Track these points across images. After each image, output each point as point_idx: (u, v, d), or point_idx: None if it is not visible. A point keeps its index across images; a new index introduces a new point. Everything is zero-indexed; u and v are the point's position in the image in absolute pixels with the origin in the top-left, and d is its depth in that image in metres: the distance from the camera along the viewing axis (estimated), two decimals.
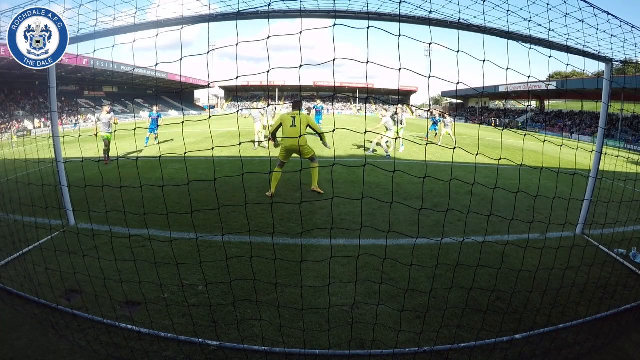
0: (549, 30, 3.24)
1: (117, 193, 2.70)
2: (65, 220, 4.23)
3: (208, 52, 2.28)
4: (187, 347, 2.25)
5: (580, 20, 2.98)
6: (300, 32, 2.15)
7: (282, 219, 4.59)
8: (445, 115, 13.85)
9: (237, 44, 2.21)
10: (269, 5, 2.82)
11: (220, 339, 2.31)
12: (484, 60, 2.37)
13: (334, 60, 2.07)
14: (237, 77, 2.10)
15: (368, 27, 2.25)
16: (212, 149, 2.48)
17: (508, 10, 2.92)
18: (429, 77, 2.24)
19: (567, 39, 3.36)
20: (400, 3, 2.57)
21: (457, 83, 2.24)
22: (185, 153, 2.30)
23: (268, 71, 2.18)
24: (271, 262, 3.07)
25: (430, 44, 2.27)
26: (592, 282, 2.91)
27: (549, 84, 28.28)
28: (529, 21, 3.13)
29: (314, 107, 16.27)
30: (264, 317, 2.53)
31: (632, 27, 3.18)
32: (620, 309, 2.73)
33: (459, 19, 3.14)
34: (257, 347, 2.25)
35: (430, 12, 2.82)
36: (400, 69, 2.17)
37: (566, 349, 2.28)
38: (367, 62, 2.12)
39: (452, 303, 2.70)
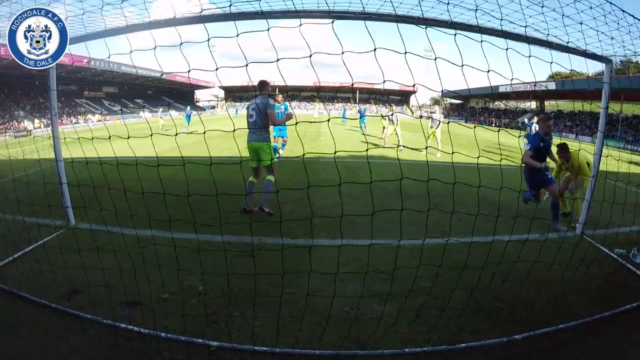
0: (549, 29, 3.24)
1: (117, 193, 2.70)
2: (65, 221, 4.23)
3: (210, 51, 2.29)
4: (187, 347, 2.25)
5: (579, 23, 2.99)
6: (300, 25, 2.15)
7: (282, 219, 4.59)
8: (392, 111, 12.53)
9: (237, 44, 2.21)
10: (269, 5, 2.83)
11: (220, 339, 2.31)
12: (488, 71, 2.38)
13: (341, 53, 2.07)
14: (240, 69, 2.10)
15: (368, 27, 2.25)
16: (209, 156, 2.48)
17: (507, 14, 2.92)
18: (430, 76, 2.24)
19: (568, 42, 3.37)
20: (400, 3, 2.57)
21: (459, 85, 2.25)
22: (183, 157, 2.30)
23: (276, 63, 2.18)
24: (271, 262, 3.07)
25: (431, 44, 2.28)
26: (592, 282, 2.90)
27: (548, 85, 28.27)
28: (527, 25, 3.14)
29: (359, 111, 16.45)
30: (264, 317, 2.53)
31: (635, 18, 3.16)
32: (620, 309, 2.73)
33: (457, 20, 3.15)
34: (257, 347, 2.25)
35: (429, 12, 2.83)
36: (404, 67, 2.17)
37: (566, 349, 2.28)
38: (369, 61, 2.12)
39: (452, 303, 2.70)
